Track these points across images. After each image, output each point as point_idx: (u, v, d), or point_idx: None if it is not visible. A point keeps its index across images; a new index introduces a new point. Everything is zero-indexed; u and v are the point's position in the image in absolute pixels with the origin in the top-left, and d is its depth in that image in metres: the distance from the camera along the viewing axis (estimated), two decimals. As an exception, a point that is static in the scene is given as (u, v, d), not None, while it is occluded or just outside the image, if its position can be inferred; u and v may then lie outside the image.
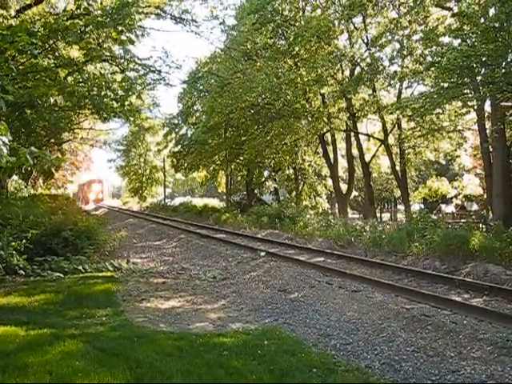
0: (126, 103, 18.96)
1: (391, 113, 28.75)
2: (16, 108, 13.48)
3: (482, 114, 23.37)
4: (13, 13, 15.43)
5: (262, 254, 16.30)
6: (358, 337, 7.49)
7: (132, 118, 25.77)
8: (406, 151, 31.93)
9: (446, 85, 19.81)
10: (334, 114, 31.40)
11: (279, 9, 30.83)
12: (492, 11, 18.62)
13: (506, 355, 6.44)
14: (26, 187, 35.82)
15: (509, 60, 17.53)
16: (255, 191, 47.23)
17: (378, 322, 8.22)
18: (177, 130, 49.54)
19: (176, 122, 48.37)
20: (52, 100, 9.67)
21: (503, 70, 17.34)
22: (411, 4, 26.55)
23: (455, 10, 23.53)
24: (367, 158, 33.83)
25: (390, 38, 28.42)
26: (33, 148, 5.33)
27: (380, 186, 56.26)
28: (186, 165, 46.52)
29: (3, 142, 5.04)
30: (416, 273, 12.59)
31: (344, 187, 36.52)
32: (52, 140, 29.80)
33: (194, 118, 46.04)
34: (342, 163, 39.80)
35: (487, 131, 24.34)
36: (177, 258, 17.31)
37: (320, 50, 28.92)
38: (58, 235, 15.13)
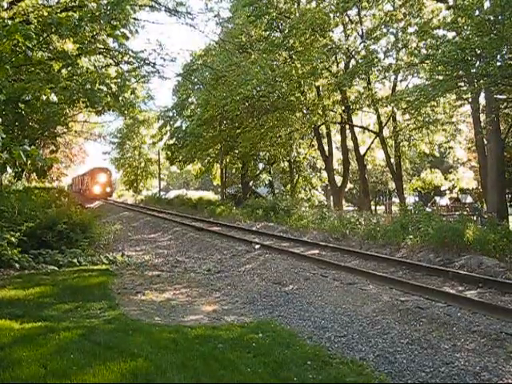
0: (120, 98, 18.87)
1: (386, 105, 28.81)
2: (9, 102, 13.40)
3: (477, 106, 23.42)
4: (5, 5, 15.30)
5: (257, 246, 16.33)
6: (353, 329, 7.51)
7: (126, 112, 25.68)
8: (401, 144, 32.06)
9: (440, 77, 19.81)
10: (329, 106, 31.39)
11: (274, 1, 30.74)
12: (487, 4, 18.62)
13: (500, 347, 6.48)
14: (19, 180, 35.68)
15: (503, 53, 17.55)
16: (250, 184, 47.27)
17: (373, 314, 8.24)
18: (171, 122, 49.38)
19: (171, 114, 48.22)
20: (44, 98, 9.63)
21: (498, 63, 17.35)
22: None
23: (450, 2, 23.54)
24: (362, 150, 33.88)
25: (384, 30, 28.49)
26: (26, 146, 5.30)
27: (375, 179, 56.37)
28: (180, 157, 46.43)
29: None
30: (410, 265, 12.63)
31: (339, 180, 36.57)
32: (46, 133, 29.68)
33: (189, 110, 45.89)
34: (337, 156, 39.84)
35: (482, 124, 24.37)
36: (172, 250, 17.31)
37: (315, 43, 28.88)
38: (53, 228, 15.09)
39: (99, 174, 62.44)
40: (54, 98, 8.12)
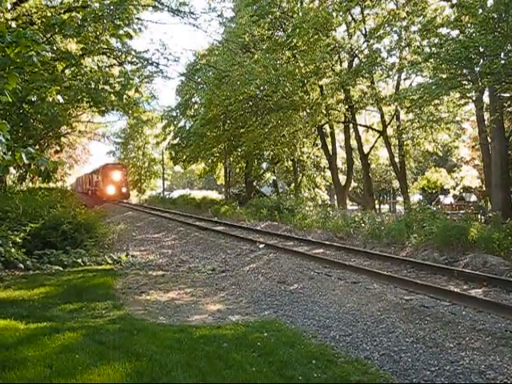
0: (124, 97, 18.94)
1: (390, 104, 28.77)
2: (14, 103, 13.46)
3: (481, 105, 23.37)
4: (9, 5, 15.33)
5: (261, 245, 16.32)
6: (358, 328, 7.50)
7: (130, 111, 25.73)
8: (405, 142, 32.01)
9: (444, 76, 19.78)
10: (333, 105, 31.35)
11: (277, 0, 30.71)
12: (490, 1, 18.57)
13: (505, 345, 6.46)
14: (23, 182, 35.81)
15: (507, 51, 17.50)
16: (254, 183, 47.26)
17: (377, 313, 8.23)
18: (175, 122, 49.44)
19: (174, 114, 48.28)
20: (50, 99, 9.71)
21: (502, 61, 17.31)
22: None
23: (454, 0, 23.47)
24: (366, 149, 33.83)
25: (388, 29, 28.36)
26: (30, 148, 5.30)
27: (379, 178, 56.30)
28: (184, 157, 46.44)
29: (0, 140, 5.02)
30: (415, 264, 12.60)
31: (343, 179, 36.55)
32: (50, 133, 29.79)
33: (193, 110, 45.96)
34: (341, 155, 39.81)
35: (486, 122, 24.32)
36: (176, 250, 17.32)
37: (318, 42, 28.84)
38: (57, 228, 15.15)
39: (113, 171, 51.74)
40: (59, 98, 8.13)
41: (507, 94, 21.62)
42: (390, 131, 32.12)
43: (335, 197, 38.15)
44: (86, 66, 18.49)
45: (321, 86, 31.44)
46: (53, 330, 6.89)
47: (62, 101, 8.43)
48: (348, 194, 41.57)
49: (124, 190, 52.37)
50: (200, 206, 39.39)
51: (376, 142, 34.71)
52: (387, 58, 28.32)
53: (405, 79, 30.30)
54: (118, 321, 7.76)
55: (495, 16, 16.90)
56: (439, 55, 18.77)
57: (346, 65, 31.74)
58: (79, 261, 13.71)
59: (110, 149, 67.87)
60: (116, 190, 50.72)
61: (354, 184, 46.38)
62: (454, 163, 49.15)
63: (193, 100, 45.42)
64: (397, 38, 28.33)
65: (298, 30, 27.45)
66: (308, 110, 30.99)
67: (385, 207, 60.44)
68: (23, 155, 5.20)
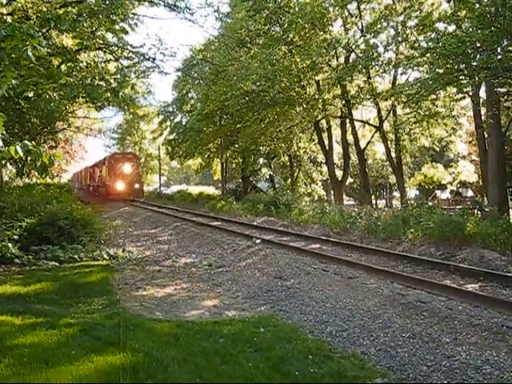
0: (120, 93, 18.89)
1: (386, 99, 28.74)
2: (10, 99, 13.42)
3: (478, 99, 23.36)
4: (4, 0, 15.25)
5: (258, 241, 16.31)
6: (354, 323, 7.50)
7: (126, 108, 25.70)
8: (402, 138, 31.98)
9: (441, 71, 19.75)
10: (329, 100, 31.34)
11: (273, -5, 30.64)
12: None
13: (501, 340, 6.47)
14: (21, 177, 35.68)
15: (504, 45, 17.47)
16: (250, 179, 47.24)
17: (374, 308, 8.24)
18: (172, 117, 49.46)
19: (171, 109, 48.30)
20: (47, 96, 9.72)
21: (499, 56, 17.28)
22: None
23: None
24: (362, 144, 33.84)
25: (384, 24, 28.35)
26: (26, 141, 5.27)
27: (375, 173, 56.30)
28: (181, 152, 46.42)
29: None
30: (411, 259, 12.61)
31: (339, 174, 36.56)
32: (46, 129, 29.72)
33: (189, 105, 45.97)
34: (338, 150, 39.80)
35: (482, 117, 24.32)
36: (172, 246, 17.29)
37: (314, 37, 28.81)
38: (54, 224, 15.08)
39: (122, 162, 42.07)
40: (55, 95, 8.14)
41: (504, 89, 21.63)
42: (386, 126, 32.12)
43: (332, 192, 38.15)
44: (82, 62, 18.43)
45: (317, 82, 31.37)
46: (49, 325, 6.87)
47: (57, 97, 8.43)
48: (344, 190, 41.57)
49: (137, 185, 42.55)
50: (197, 201, 39.38)
51: (372, 137, 34.72)
52: (384, 53, 28.40)
53: (401, 74, 30.40)
54: (114, 316, 7.73)
55: (492, 10, 16.85)
56: (436, 50, 18.72)
57: (342, 60, 31.68)
58: (76, 256, 13.67)
59: (106, 143, 67.88)
60: (126, 186, 41.19)
61: (350, 179, 46.38)
62: (450, 158, 49.23)
63: (189, 95, 45.44)
64: (393, 33, 28.33)
65: (294, 25, 27.43)
66: (304, 106, 30.95)
67: (381, 202, 60.46)
68: (18, 148, 5.17)
